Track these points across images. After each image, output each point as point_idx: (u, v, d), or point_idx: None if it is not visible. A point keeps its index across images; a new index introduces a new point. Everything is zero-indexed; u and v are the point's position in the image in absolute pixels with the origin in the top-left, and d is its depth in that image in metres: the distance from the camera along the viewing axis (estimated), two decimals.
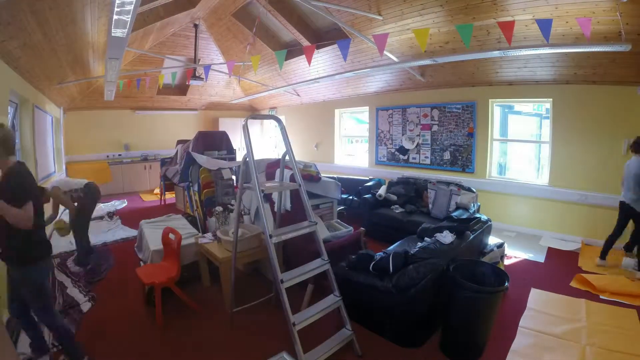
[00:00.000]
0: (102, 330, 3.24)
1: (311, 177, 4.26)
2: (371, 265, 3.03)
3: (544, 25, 3.40)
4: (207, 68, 5.91)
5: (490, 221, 4.23)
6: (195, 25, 8.17)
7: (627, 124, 4.92)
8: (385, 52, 5.58)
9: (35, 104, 5.67)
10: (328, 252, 2.92)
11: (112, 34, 3.51)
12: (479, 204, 5.38)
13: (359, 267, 3.12)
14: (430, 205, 5.69)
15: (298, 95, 9.96)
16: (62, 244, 5.42)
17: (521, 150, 7.12)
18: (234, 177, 5.27)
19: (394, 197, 6.09)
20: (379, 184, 7.05)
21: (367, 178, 7.62)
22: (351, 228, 4.13)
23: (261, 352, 2.79)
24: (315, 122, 10.05)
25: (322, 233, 3.74)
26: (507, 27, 3.45)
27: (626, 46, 3.78)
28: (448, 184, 5.67)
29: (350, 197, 6.81)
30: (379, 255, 3.16)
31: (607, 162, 5.17)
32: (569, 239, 5.54)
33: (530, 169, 6.85)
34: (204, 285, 4.06)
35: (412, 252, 3.08)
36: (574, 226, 5.56)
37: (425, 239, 3.52)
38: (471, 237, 3.60)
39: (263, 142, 12.58)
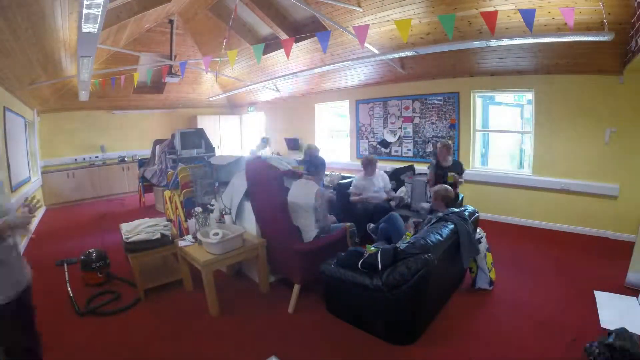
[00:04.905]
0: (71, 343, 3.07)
1: (293, 173, 4.17)
2: (360, 262, 2.94)
3: (527, 15, 3.36)
4: (183, 64, 5.70)
5: (478, 212, 4.18)
6: (171, 21, 7.92)
7: (609, 114, 4.95)
8: (365, 44, 5.49)
9: (5, 106, 5.40)
10: (316, 249, 2.81)
11: (83, 30, 3.34)
12: (462, 195, 5.34)
13: (347, 265, 3.03)
14: (409, 199, 5.63)
15: (278, 90, 9.78)
16: None
17: (503, 141, 7.14)
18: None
19: None
20: None
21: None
22: (341, 224, 4.03)
23: (250, 357, 2.69)
24: (296, 117, 9.94)
25: (310, 231, 3.63)
26: (490, 18, 3.40)
27: (609, 36, 3.79)
28: (424, 174, 5.61)
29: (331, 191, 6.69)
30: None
31: (589, 151, 5.20)
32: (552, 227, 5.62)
33: (514, 159, 6.87)
34: (187, 290, 3.90)
35: (401, 247, 2.99)
36: (558, 214, 5.60)
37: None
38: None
39: (242, 138, 12.42)
